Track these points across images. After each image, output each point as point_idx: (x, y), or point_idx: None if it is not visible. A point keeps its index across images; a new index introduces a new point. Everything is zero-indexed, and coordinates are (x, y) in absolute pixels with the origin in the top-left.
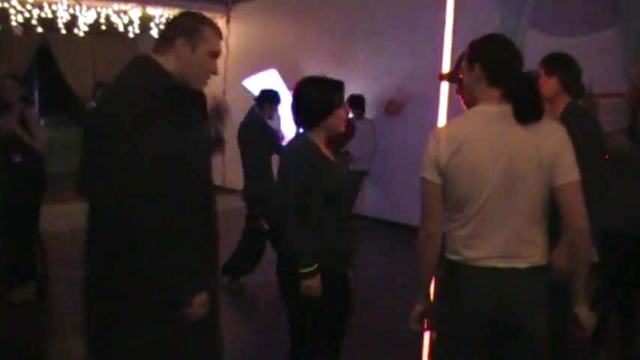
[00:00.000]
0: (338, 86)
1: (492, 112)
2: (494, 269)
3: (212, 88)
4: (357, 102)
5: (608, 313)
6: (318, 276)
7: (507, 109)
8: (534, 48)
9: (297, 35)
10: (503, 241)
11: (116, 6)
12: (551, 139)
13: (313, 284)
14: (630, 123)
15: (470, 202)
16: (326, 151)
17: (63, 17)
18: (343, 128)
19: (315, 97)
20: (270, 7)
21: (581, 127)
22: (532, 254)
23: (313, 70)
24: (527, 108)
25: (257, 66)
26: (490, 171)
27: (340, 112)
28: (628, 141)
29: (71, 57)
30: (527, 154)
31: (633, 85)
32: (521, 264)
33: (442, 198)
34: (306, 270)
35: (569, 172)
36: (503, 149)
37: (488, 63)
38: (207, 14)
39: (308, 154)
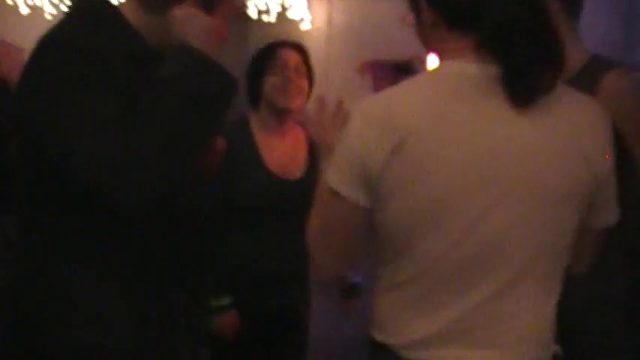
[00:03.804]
0: (265, 50)
1: (466, 75)
2: None
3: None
4: None
5: None
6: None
7: (493, 68)
8: None
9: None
10: (484, 314)
11: None
12: (592, 124)
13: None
14: None
15: (430, 240)
16: (267, 141)
17: None
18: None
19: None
20: None
21: None
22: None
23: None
24: (525, 65)
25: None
26: (470, 185)
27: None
28: None
29: None
30: (546, 156)
31: None
32: None
33: (364, 229)
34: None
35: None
36: (496, 146)
37: None
38: None
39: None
